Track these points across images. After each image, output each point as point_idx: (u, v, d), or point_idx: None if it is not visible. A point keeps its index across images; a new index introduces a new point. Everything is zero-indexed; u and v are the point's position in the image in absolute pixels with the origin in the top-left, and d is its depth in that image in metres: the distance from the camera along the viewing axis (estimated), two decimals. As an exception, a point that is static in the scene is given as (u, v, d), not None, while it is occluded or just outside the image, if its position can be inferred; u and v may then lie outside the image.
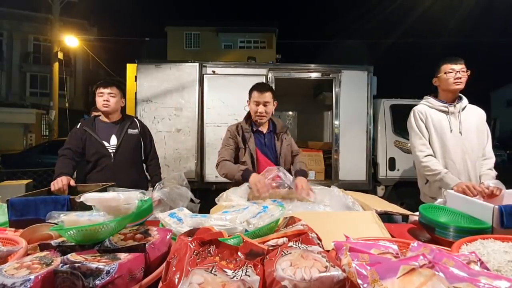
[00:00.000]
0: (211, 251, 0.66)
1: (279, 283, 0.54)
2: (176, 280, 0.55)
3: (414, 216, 1.25)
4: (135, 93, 3.74)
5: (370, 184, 3.93)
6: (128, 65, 4.15)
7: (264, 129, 1.89)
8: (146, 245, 0.72)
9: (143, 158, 2.16)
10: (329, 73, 3.95)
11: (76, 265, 0.58)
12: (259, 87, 1.82)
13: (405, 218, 1.30)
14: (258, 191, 1.45)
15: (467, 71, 1.76)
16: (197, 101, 3.75)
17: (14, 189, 2.82)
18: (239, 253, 0.66)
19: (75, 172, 1.91)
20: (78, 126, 1.97)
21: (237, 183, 1.58)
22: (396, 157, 4.00)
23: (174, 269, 0.59)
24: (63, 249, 0.73)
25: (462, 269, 0.57)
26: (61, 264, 0.60)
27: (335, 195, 1.45)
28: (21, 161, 6.76)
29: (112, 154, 1.94)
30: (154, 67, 3.73)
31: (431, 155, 1.79)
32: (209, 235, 0.71)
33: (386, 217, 1.25)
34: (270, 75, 3.85)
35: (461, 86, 1.76)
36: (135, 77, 3.74)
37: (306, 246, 0.67)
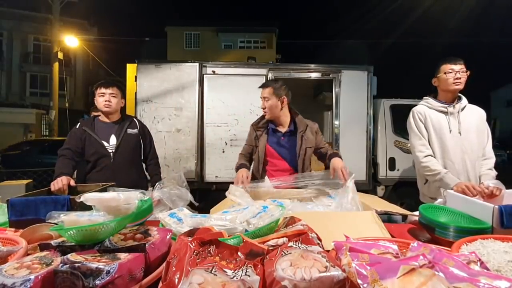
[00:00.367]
0: (211, 251, 0.66)
1: (279, 283, 0.54)
2: (176, 280, 0.55)
3: (413, 216, 1.25)
4: (135, 93, 3.73)
5: (370, 184, 3.93)
6: (128, 65, 4.14)
7: (282, 128, 1.89)
8: (146, 245, 0.72)
9: (142, 158, 2.16)
10: (329, 73, 3.95)
11: (76, 265, 0.58)
12: (262, 84, 1.92)
13: (405, 218, 1.30)
14: (237, 182, 1.63)
15: (466, 71, 1.75)
16: (197, 101, 3.75)
17: (14, 189, 2.82)
18: (239, 253, 0.66)
19: (75, 172, 1.91)
20: (77, 126, 1.97)
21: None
22: (396, 157, 4.00)
23: (174, 269, 0.59)
24: (63, 249, 0.73)
25: (462, 269, 0.57)
26: (61, 264, 0.60)
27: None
28: (21, 161, 6.76)
29: (111, 154, 1.94)
30: (154, 67, 3.73)
31: (430, 156, 1.79)
32: (209, 235, 0.71)
33: (386, 217, 1.25)
34: (270, 75, 3.84)
35: (461, 87, 1.75)
36: (135, 77, 3.74)
37: (306, 246, 0.67)
